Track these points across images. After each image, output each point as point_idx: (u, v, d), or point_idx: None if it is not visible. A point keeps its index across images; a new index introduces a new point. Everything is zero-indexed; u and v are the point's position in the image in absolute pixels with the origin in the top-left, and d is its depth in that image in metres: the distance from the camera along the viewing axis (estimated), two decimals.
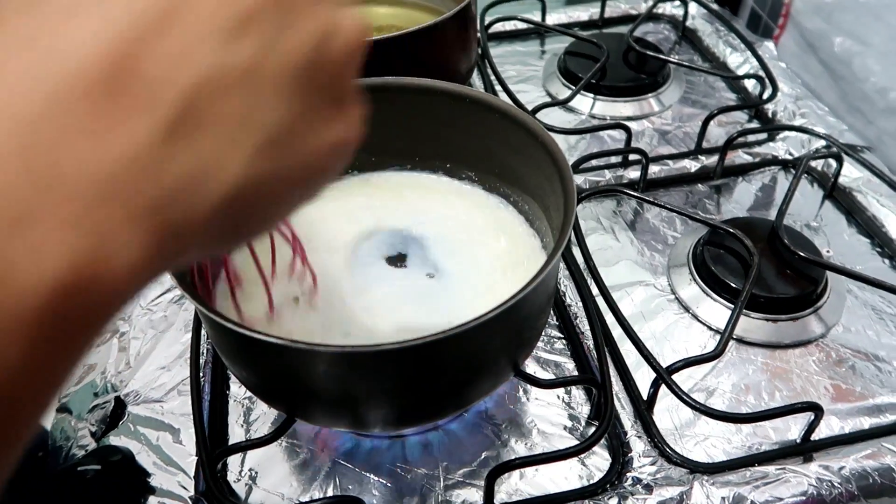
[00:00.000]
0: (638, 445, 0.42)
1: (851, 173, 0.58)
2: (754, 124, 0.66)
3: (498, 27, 0.78)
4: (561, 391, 0.45)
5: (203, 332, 0.48)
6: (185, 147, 0.16)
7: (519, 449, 0.42)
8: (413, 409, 0.37)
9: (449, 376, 0.35)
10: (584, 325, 0.48)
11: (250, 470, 0.42)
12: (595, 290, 0.49)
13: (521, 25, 0.79)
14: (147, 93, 0.15)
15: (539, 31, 0.79)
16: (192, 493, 0.40)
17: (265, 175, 0.18)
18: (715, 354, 0.42)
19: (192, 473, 0.41)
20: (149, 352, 0.48)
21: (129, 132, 0.15)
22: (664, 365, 0.42)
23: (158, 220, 0.16)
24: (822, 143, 0.61)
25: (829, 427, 0.42)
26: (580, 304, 0.49)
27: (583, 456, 0.41)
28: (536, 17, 0.78)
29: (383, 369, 0.33)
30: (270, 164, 0.18)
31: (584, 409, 0.44)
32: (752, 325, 0.47)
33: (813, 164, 0.60)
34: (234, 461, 0.43)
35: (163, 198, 0.16)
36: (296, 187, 0.21)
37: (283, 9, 0.18)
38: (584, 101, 0.68)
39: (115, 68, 0.15)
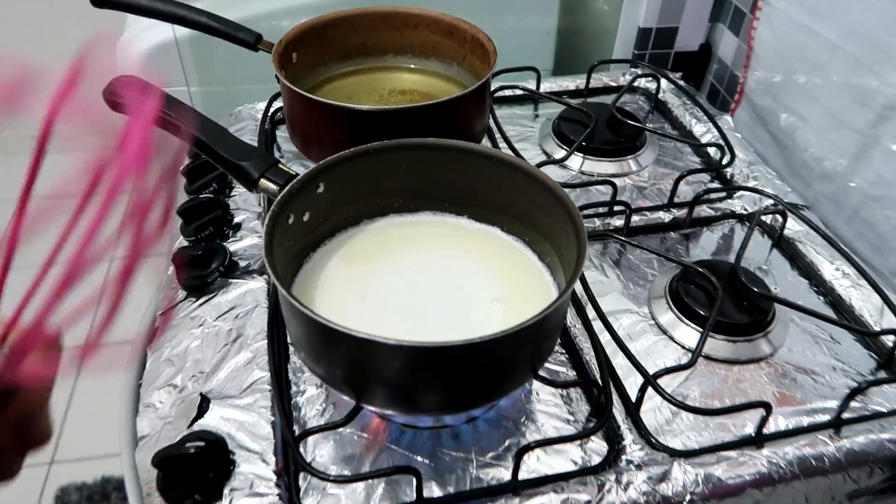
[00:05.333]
0: (629, 436, 0.52)
1: (794, 227, 0.71)
2: (716, 184, 0.79)
3: (498, 93, 0.91)
4: (563, 397, 0.56)
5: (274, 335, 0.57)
6: None
7: (534, 438, 0.53)
8: (462, 396, 0.47)
9: (492, 370, 0.46)
10: (581, 342, 0.59)
11: (314, 454, 0.51)
12: (592, 314, 0.60)
13: (518, 92, 0.91)
14: None
15: (533, 98, 0.92)
16: (273, 467, 0.49)
17: None
18: (689, 364, 0.54)
19: (268, 458, 0.50)
20: (222, 358, 0.57)
21: None
22: (650, 373, 0.54)
23: None
24: (771, 201, 0.74)
25: (776, 424, 0.54)
26: (580, 326, 0.60)
27: (585, 445, 0.52)
28: (531, 86, 0.91)
29: (446, 362, 0.44)
30: None
31: (583, 408, 0.55)
32: (716, 345, 0.59)
33: (763, 218, 0.73)
34: None
35: None
36: None
37: None
38: (575, 160, 0.80)
39: None
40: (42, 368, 0.31)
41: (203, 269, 0.63)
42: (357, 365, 0.45)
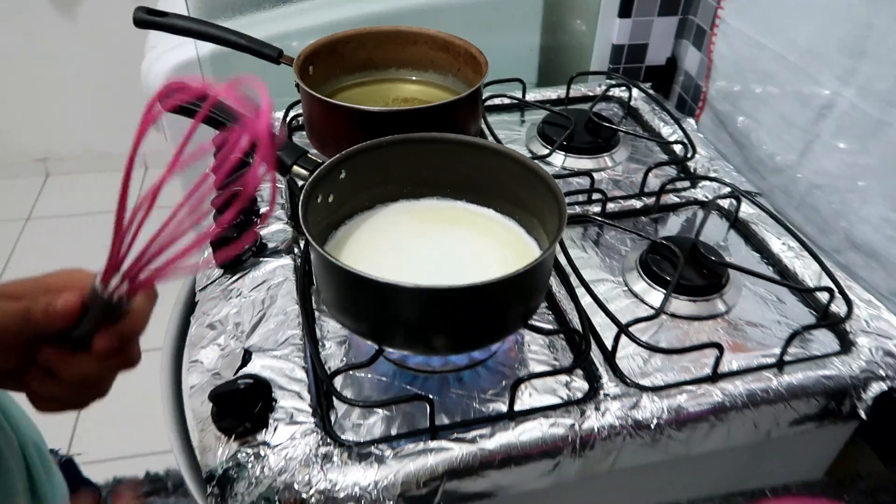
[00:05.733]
0: (606, 376, 0.62)
1: (748, 210, 0.82)
2: (681, 176, 0.90)
3: (488, 102, 1.02)
4: (549, 347, 0.66)
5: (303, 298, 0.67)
6: None
7: None
8: (467, 337, 0.57)
9: (492, 314, 0.55)
10: (565, 304, 0.69)
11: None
12: (575, 283, 0.70)
13: (506, 101, 1.02)
14: None
15: (520, 106, 1.03)
16: (308, 402, 0.58)
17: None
18: (655, 315, 0.64)
19: (304, 395, 0.59)
20: (258, 321, 0.67)
21: None
22: (622, 322, 0.64)
23: None
24: (728, 189, 0.84)
25: (729, 366, 0.64)
26: (563, 291, 0.70)
27: (570, 385, 0.62)
28: (518, 94, 1.02)
29: (454, 304, 0.53)
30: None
31: (567, 356, 0.65)
32: (679, 304, 0.69)
33: (722, 203, 0.84)
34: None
35: None
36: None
37: None
38: (557, 157, 0.91)
39: None
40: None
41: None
42: (379, 309, 0.55)
